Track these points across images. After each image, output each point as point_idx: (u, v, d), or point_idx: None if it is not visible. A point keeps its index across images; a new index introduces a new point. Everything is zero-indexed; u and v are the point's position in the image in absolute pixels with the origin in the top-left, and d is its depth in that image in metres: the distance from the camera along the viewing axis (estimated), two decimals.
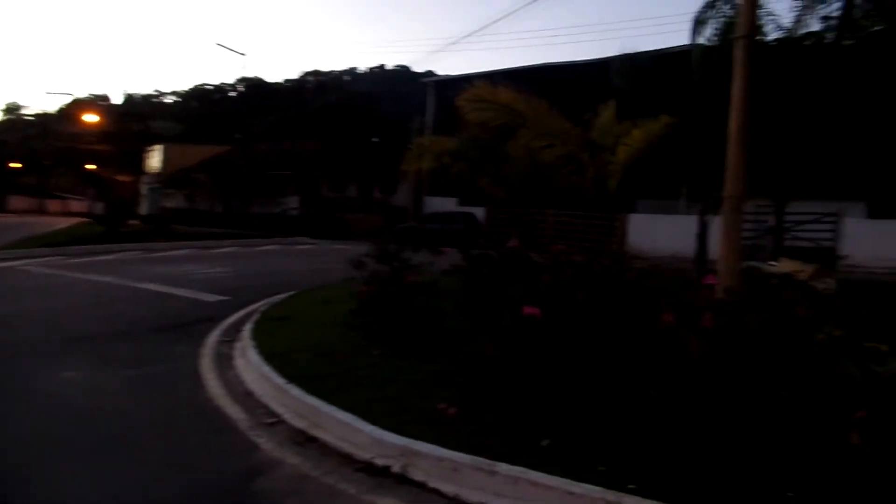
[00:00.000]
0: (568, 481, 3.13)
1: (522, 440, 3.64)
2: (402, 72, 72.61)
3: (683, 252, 16.99)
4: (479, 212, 24.80)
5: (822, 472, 3.26)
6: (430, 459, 3.50)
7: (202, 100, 63.66)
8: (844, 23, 9.06)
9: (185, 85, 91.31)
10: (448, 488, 3.34)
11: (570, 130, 8.68)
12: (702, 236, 10.36)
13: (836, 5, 8.70)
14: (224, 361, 5.93)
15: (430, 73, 52.88)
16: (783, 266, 10.36)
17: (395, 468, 3.55)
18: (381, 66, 79.70)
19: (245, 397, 4.91)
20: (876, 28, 9.01)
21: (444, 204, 27.10)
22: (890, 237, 17.34)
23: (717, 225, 9.28)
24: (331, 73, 79.78)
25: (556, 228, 23.22)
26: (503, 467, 3.30)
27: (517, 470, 3.27)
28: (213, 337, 6.89)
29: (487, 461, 3.37)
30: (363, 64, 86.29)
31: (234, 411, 4.58)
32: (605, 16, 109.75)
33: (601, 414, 4.04)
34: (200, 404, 4.74)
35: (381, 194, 33.30)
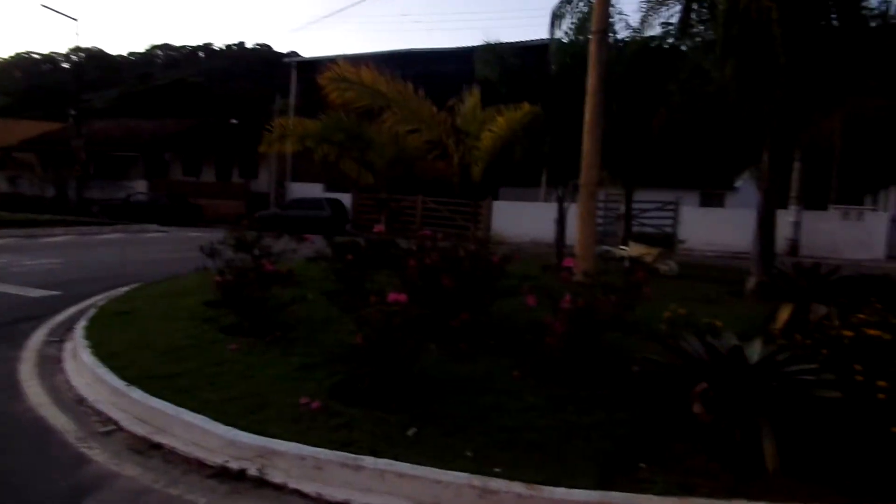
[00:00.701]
0: (435, 470, 3.06)
1: (390, 431, 3.51)
2: (264, 51, 69.23)
3: (544, 237, 17.88)
4: (346, 198, 24.33)
5: (671, 442, 3.48)
6: (290, 458, 3.27)
7: (27, 70, 56.35)
8: (682, 27, 9.86)
9: (5, 52, 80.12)
10: (310, 488, 3.13)
11: (434, 116, 8.64)
12: (560, 222, 10.88)
13: (677, 9, 9.44)
14: (50, 365, 5.19)
15: (294, 54, 50.94)
16: (632, 250, 11.20)
17: (252, 471, 3.27)
18: (241, 44, 75.47)
19: (75, 405, 4.31)
20: (709, 34, 9.78)
21: (309, 190, 26.21)
22: (718, 223, 19.45)
23: (574, 211, 9.79)
24: (184, 48, 74.15)
25: (425, 215, 23.47)
26: (369, 461, 3.16)
27: (383, 463, 3.14)
28: (38, 337, 6.03)
29: (353, 456, 3.21)
30: (221, 40, 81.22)
31: (61, 422, 4.00)
32: (471, 3, 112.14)
33: (466, 397, 4.03)
34: (18, 416, 4.08)
35: (241, 179, 31.49)
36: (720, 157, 14.24)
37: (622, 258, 10.78)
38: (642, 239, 12.10)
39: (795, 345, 3.94)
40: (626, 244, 11.79)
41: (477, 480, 2.98)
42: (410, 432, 3.50)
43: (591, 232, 8.59)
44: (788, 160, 12.20)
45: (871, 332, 4.14)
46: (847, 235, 18.61)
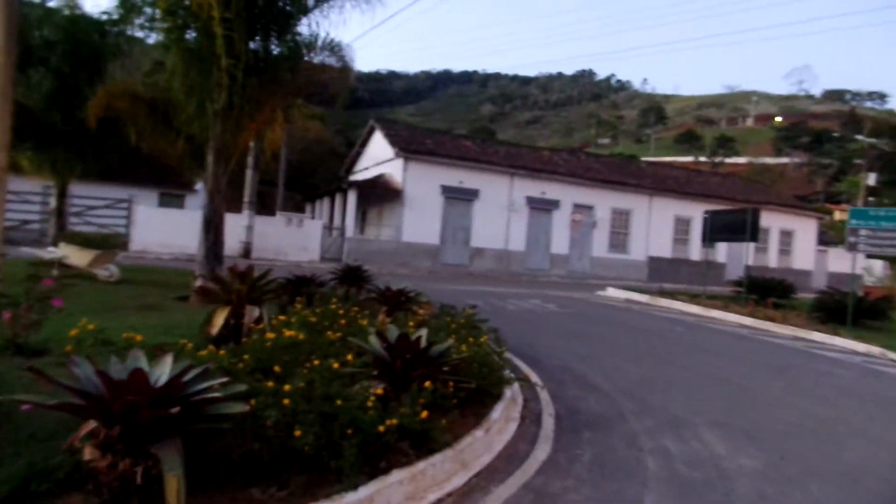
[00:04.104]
0: None
1: None
2: None
3: None
4: None
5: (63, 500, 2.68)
6: None
7: None
8: (126, 5, 8.88)
9: None
10: None
11: None
12: None
13: None
14: None
15: None
16: (63, 252, 9.47)
17: None
18: None
19: None
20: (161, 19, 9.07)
21: None
22: (176, 225, 18.87)
23: None
24: None
25: None
26: None
27: None
28: None
29: None
30: None
31: None
32: None
33: None
34: None
35: None
36: (179, 156, 13.68)
37: (51, 262, 8.94)
38: (84, 240, 10.36)
39: (215, 357, 3.70)
40: (56, 245, 9.92)
41: None
42: None
43: None
44: (239, 165, 12.67)
45: (289, 333, 4.31)
46: (291, 239, 20.98)
